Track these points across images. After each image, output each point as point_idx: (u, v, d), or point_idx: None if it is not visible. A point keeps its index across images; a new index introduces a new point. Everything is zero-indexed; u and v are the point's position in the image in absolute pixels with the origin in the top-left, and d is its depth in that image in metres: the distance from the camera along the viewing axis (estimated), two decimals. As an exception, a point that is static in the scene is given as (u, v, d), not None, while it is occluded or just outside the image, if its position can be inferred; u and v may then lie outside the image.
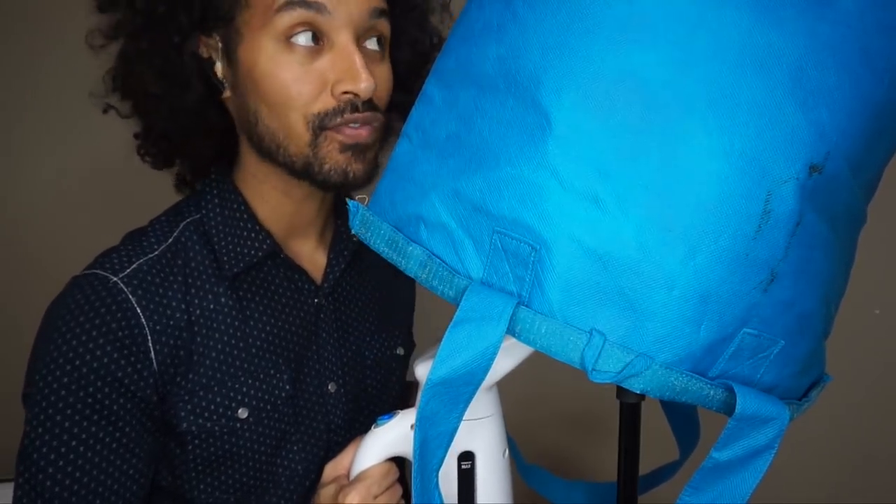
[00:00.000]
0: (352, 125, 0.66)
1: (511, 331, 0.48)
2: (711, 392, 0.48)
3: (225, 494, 0.69)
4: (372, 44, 0.68)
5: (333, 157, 0.66)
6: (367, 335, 0.80)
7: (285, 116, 0.66)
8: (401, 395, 0.85)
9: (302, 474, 0.72)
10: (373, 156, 0.69)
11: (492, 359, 0.48)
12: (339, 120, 0.65)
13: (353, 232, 0.60)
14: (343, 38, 0.65)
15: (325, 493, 0.65)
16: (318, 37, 0.65)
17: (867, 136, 0.49)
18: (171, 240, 0.69)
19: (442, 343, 0.48)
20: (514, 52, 0.50)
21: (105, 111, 0.73)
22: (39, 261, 1.44)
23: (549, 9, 0.49)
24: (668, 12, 0.46)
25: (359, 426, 0.77)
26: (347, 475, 0.66)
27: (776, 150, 0.46)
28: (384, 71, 0.70)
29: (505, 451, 0.67)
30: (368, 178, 0.69)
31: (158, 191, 0.81)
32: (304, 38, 0.64)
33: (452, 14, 0.82)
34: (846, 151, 0.48)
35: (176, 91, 0.69)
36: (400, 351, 0.84)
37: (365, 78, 0.64)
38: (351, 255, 0.78)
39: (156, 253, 0.68)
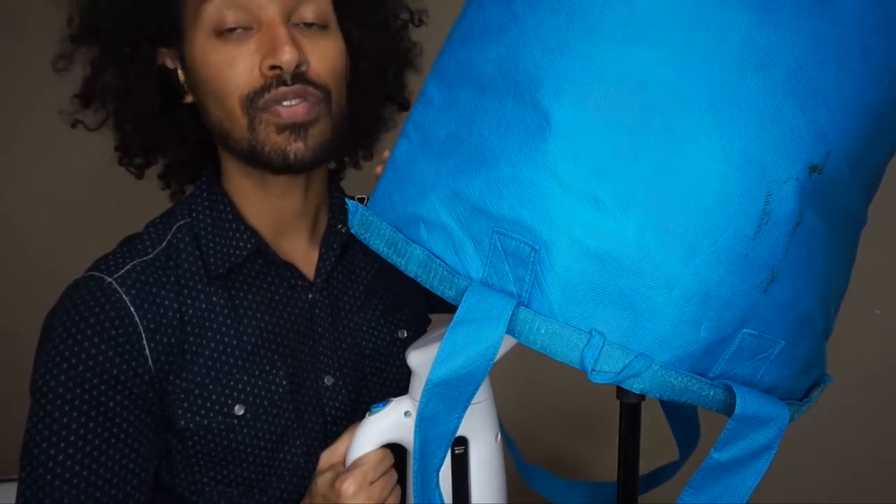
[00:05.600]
0: (285, 103, 0.65)
1: (511, 331, 0.48)
2: (711, 392, 0.48)
3: (228, 488, 0.71)
4: (305, 20, 0.67)
5: (272, 139, 0.66)
6: (364, 324, 0.79)
7: (223, 102, 0.67)
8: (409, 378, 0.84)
9: (304, 466, 0.73)
10: (317, 133, 0.67)
11: (492, 359, 0.48)
12: (267, 96, 0.65)
13: (352, 232, 0.60)
14: (268, 16, 0.65)
15: (322, 480, 0.67)
16: (247, 25, 0.66)
17: (867, 136, 0.49)
18: (164, 243, 0.71)
19: (442, 343, 0.48)
20: (514, 53, 0.50)
21: (73, 126, 0.75)
22: (40, 262, 1.44)
23: (549, 9, 0.49)
24: (668, 12, 0.46)
25: (361, 415, 0.78)
26: (343, 462, 0.67)
27: (776, 151, 0.46)
28: (325, 47, 0.68)
29: (497, 435, 0.68)
30: (316, 159, 0.68)
31: (157, 194, 0.82)
32: (231, 24, 0.65)
33: None
34: (846, 151, 0.48)
35: (136, 101, 0.71)
36: (402, 334, 0.83)
37: (287, 50, 0.64)
38: (341, 247, 0.78)
39: (150, 256, 0.70)
